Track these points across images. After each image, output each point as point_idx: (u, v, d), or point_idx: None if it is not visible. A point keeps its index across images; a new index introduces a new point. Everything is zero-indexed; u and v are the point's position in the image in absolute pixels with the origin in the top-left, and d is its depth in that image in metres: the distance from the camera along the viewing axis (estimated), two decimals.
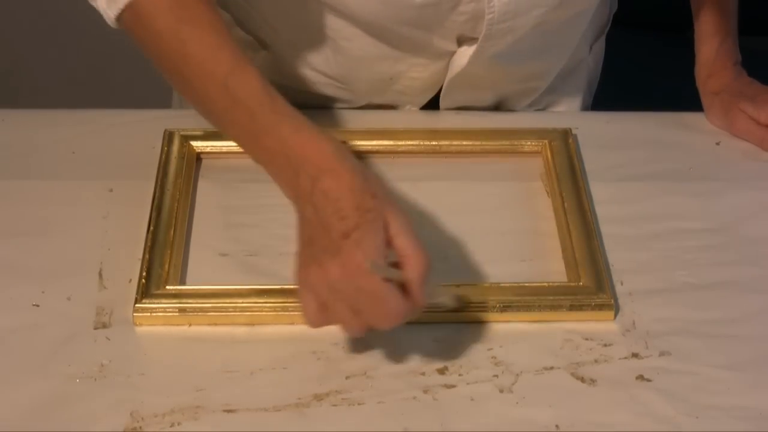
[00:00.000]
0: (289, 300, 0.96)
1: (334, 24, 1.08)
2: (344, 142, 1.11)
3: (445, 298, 0.94)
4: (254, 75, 0.92)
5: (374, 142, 1.12)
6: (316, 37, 1.11)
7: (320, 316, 0.88)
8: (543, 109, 1.23)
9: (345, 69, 1.14)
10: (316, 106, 1.18)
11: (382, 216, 0.86)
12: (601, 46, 1.28)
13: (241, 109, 0.91)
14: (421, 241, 0.86)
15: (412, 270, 0.86)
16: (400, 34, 1.07)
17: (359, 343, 0.94)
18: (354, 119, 1.17)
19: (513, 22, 1.04)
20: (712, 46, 1.19)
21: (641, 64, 2.45)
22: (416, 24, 1.05)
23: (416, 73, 1.13)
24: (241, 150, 1.10)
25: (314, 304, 0.87)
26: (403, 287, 0.86)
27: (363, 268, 0.84)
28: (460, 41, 1.08)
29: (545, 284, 0.98)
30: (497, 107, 1.21)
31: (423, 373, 0.92)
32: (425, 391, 0.91)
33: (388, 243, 0.86)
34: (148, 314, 0.95)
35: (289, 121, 0.91)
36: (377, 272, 0.84)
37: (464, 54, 1.09)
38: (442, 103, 1.18)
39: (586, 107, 1.27)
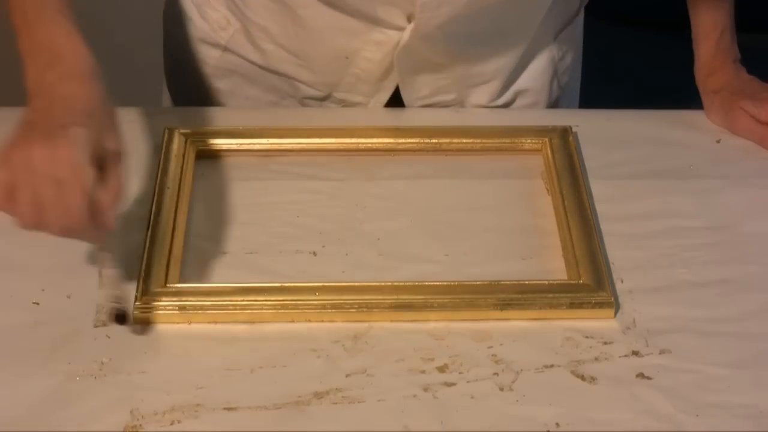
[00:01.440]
0: (290, 298, 0.96)
1: None
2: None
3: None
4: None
5: (374, 140, 1.12)
6: (276, 6, 1.13)
7: (2, 195, 0.88)
8: (507, 105, 1.23)
9: (303, 42, 1.15)
10: (283, 93, 1.20)
11: (105, 134, 0.89)
12: (570, 36, 1.26)
13: None
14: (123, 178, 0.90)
15: (109, 191, 0.88)
16: (346, 2, 1.09)
17: (360, 341, 0.94)
18: (354, 117, 1.17)
19: None
20: (709, 44, 1.19)
21: (641, 63, 2.45)
22: None
23: (370, 53, 1.14)
24: (241, 148, 1.11)
25: (3, 181, 0.87)
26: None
27: (70, 160, 0.86)
28: (410, 18, 1.10)
29: (545, 282, 0.98)
30: (463, 102, 1.21)
31: (423, 371, 0.92)
32: (425, 389, 0.91)
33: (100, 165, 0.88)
34: (148, 312, 0.95)
35: (67, 25, 0.94)
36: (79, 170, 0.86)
37: (409, 29, 1.10)
38: (405, 96, 1.18)
39: (553, 101, 1.26)
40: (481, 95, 1.21)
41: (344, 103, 1.20)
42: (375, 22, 1.11)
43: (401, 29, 1.11)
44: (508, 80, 1.21)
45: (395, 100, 1.19)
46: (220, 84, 1.23)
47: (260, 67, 1.20)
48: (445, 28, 1.10)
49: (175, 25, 1.25)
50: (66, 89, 0.91)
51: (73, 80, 0.91)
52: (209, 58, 1.22)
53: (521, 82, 1.22)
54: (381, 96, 1.19)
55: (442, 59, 1.15)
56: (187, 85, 1.26)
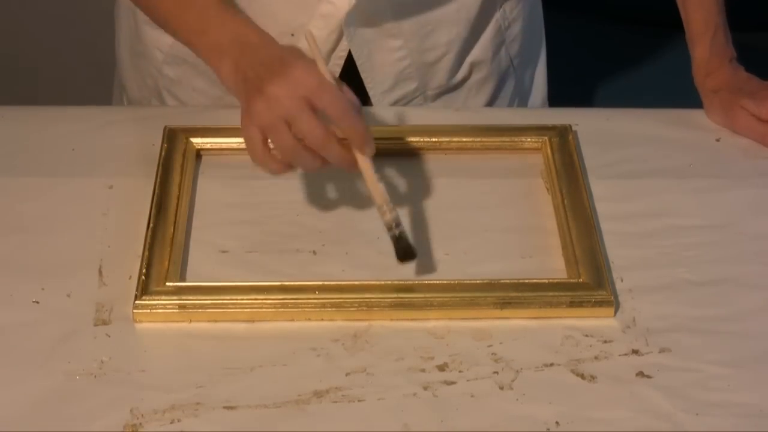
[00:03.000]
0: (290, 297, 0.96)
1: None
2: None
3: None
4: None
5: (374, 139, 1.12)
6: None
7: (266, 150, 0.95)
8: (464, 80, 1.24)
9: (252, 17, 1.15)
10: None
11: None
12: (519, 6, 1.27)
13: (194, 9, 1.02)
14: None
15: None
16: None
17: (359, 340, 0.94)
18: None
19: None
20: (704, 45, 1.19)
21: (640, 61, 2.45)
22: None
23: (315, 29, 1.15)
24: (241, 147, 1.11)
25: (259, 137, 0.94)
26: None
27: (305, 73, 0.93)
28: None
29: (545, 281, 0.98)
30: (425, 88, 1.22)
31: (423, 370, 0.92)
32: (425, 388, 0.91)
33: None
34: (148, 311, 0.95)
35: (239, 16, 1.02)
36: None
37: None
38: (370, 90, 1.20)
39: (504, 71, 1.27)
40: (440, 74, 1.22)
41: None
42: None
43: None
44: (461, 51, 1.22)
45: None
46: (170, 72, 1.23)
47: None
48: None
49: (128, 12, 1.26)
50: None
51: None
52: (161, 44, 1.22)
53: (473, 54, 1.23)
54: None
55: (393, 30, 1.17)
56: (140, 72, 1.27)
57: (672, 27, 1.25)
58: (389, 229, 0.97)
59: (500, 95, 1.29)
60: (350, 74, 1.19)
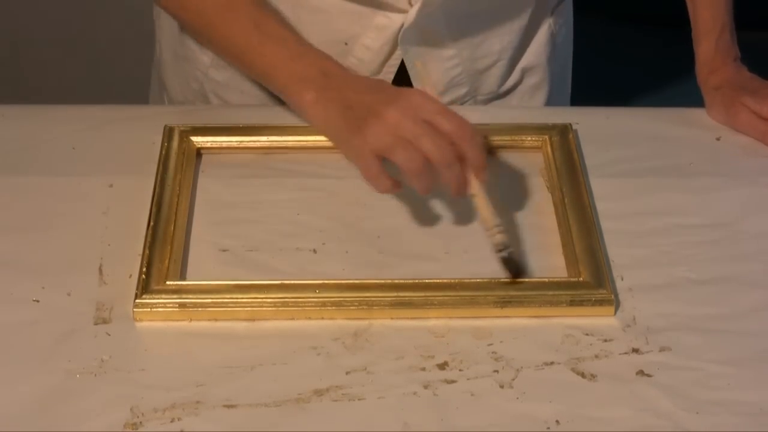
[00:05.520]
0: (290, 295, 0.96)
1: None
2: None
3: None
4: (276, 12, 1.08)
5: None
6: None
7: (381, 169, 0.98)
8: (515, 86, 1.24)
9: (304, 25, 1.15)
10: None
11: None
12: (565, 10, 1.28)
13: (272, 42, 1.05)
14: None
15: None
16: None
17: (360, 339, 0.94)
18: None
19: None
20: (709, 42, 1.19)
21: (641, 60, 2.45)
22: None
23: (369, 40, 1.15)
24: (241, 146, 1.11)
25: (376, 157, 0.97)
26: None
27: (424, 99, 0.97)
28: (412, 1, 1.13)
29: (545, 279, 0.98)
30: (476, 93, 1.22)
31: (423, 369, 0.92)
32: (425, 387, 0.91)
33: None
34: (148, 310, 0.95)
35: (316, 48, 1.06)
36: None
37: (414, 10, 1.13)
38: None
39: (554, 75, 1.27)
40: (491, 81, 1.22)
41: None
42: (379, 6, 1.13)
43: (404, 12, 1.13)
44: (513, 58, 1.22)
45: None
46: (217, 75, 1.23)
47: None
48: (446, 7, 1.12)
49: (170, 17, 1.25)
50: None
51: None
52: (208, 49, 1.22)
53: (525, 60, 1.24)
54: None
55: (447, 41, 1.17)
56: (184, 76, 1.26)
57: (673, 25, 1.25)
58: (498, 250, 0.98)
59: (556, 100, 1.30)
60: (400, 78, 1.19)
